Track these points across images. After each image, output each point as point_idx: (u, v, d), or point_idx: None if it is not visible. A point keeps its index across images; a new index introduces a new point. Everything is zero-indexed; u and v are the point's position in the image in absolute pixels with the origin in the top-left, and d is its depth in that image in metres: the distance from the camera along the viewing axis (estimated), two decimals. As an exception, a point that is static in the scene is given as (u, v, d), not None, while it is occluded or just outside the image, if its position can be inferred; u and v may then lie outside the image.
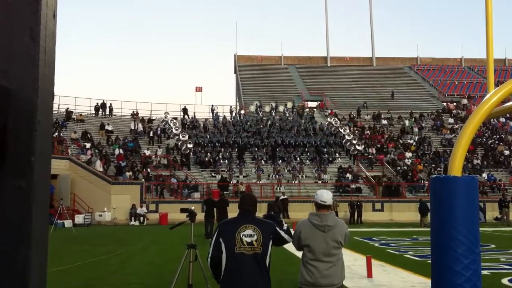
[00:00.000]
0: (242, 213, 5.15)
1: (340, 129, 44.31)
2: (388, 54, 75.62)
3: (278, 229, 5.11)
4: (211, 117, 48.35)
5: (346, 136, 42.58)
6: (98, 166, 33.89)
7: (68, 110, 43.75)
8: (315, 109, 53.39)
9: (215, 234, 5.05)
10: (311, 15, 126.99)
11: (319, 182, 36.57)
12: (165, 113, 46.44)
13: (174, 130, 41.78)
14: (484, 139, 45.49)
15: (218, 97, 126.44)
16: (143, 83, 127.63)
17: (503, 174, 40.10)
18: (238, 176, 37.12)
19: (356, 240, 19.64)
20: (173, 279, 7.62)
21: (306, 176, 37.81)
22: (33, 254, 1.04)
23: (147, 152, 38.79)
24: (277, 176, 36.79)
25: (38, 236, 1.07)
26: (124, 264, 13.92)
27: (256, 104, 51.61)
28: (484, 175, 38.36)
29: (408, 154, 41.60)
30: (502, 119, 49.06)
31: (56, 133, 36.54)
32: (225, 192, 31.97)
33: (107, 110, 46.55)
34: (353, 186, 35.95)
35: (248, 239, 4.88)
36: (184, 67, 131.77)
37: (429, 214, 28.74)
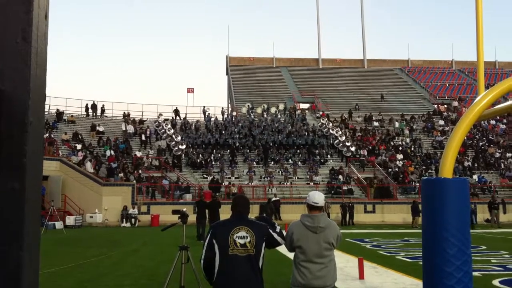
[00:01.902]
0: (235, 214, 5.16)
1: (331, 130, 44.39)
2: (379, 56, 76.19)
3: (271, 231, 5.12)
4: (203, 119, 48.28)
5: (338, 138, 42.67)
6: (89, 167, 33.76)
7: (58, 111, 43.50)
8: (306, 111, 53.45)
9: (208, 236, 5.04)
10: (303, 17, 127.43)
11: (311, 183, 36.61)
12: (158, 115, 46.29)
13: (166, 131, 41.71)
14: (475, 141, 45.75)
15: (210, 98, 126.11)
16: (134, 84, 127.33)
17: (493, 176, 40.33)
18: (230, 178, 37.09)
19: (348, 242, 19.68)
20: (165, 281, 7.60)
21: (298, 178, 37.84)
22: (25, 255, 1.04)
23: (139, 154, 38.69)
24: (269, 177, 36.80)
25: (30, 237, 1.06)
26: (116, 266, 13.86)
27: (248, 105, 51.55)
28: (475, 177, 38.59)
29: (399, 156, 41.75)
30: (493, 121, 49.35)
31: (47, 134, 36.33)
32: (217, 194, 31.93)
33: (98, 111, 46.35)
34: (344, 187, 36.02)
35: (242, 241, 4.89)
36: (176, 68, 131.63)
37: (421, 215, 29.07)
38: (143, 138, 41.55)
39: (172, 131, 41.84)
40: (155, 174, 35.99)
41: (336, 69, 70.66)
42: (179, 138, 40.42)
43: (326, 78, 66.70)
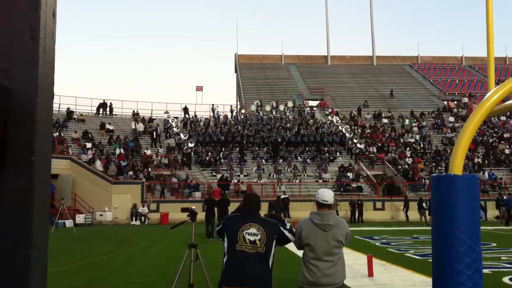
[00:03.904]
0: (247, 211, 5.18)
1: (341, 127, 44.30)
2: (389, 52, 75.57)
3: (282, 228, 5.13)
4: (212, 116, 48.36)
5: (347, 135, 42.59)
6: (99, 165, 33.92)
7: (69, 110, 43.74)
8: (315, 108, 53.37)
9: (220, 226, 5.22)
10: (311, 14, 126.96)
11: (320, 181, 36.57)
12: (165, 113, 46.37)
13: (175, 130, 41.80)
14: (485, 138, 45.47)
15: (219, 96, 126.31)
16: (143, 83, 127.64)
17: (504, 172, 40.08)
18: (239, 176, 37.13)
19: (357, 239, 19.64)
20: (174, 279, 7.62)
21: (307, 175, 37.81)
22: (33, 254, 1.04)
23: (148, 152, 38.80)
24: (278, 175, 36.78)
25: (38, 236, 1.06)
26: (126, 264, 13.92)
27: (257, 103, 51.58)
28: (485, 173, 38.36)
29: (409, 153, 41.59)
30: (503, 118, 49.03)
31: (57, 133, 36.54)
32: (226, 192, 31.97)
33: (108, 109, 46.56)
34: (354, 185, 35.95)
35: (252, 238, 4.91)
36: (184, 66, 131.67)
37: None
38: (154, 136, 41.71)
39: (181, 129, 41.93)
40: (164, 172, 36.10)
41: (345, 66, 70.45)
42: (188, 136, 40.49)
43: (335, 75, 66.56)
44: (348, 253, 10.09)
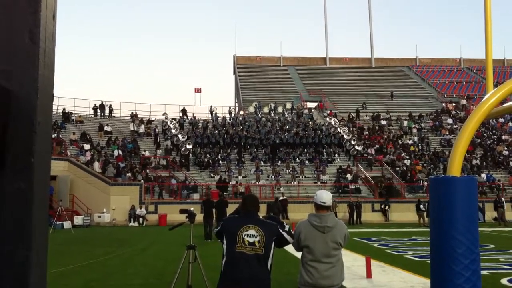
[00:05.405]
0: (245, 213, 5.18)
1: (339, 129, 44.30)
2: (387, 54, 75.61)
3: (280, 230, 5.12)
4: (210, 118, 48.33)
5: (345, 137, 42.58)
6: (97, 167, 33.89)
7: (66, 111, 43.59)
8: (314, 110, 53.38)
9: (219, 227, 5.19)
10: (310, 15, 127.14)
11: (318, 182, 36.55)
12: (164, 114, 46.31)
13: (173, 131, 41.78)
14: (483, 140, 45.51)
15: (217, 98, 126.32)
16: (142, 84, 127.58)
17: (502, 174, 40.11)
18: (237, 177, 37.10)
19: (355, 241, 19.64)
20: (172, 280, 7.62)
21: (305, 177, 37.78)
22: (32, 255, 1.04)
23: (146, 153, 38.77)
24: (276, 176, 36.76)
25: (37, 237, 1.07)
26: (124, 265, 13.90)
27: (255, 104, 51.57)
28: (483, 175, 38.38)
29: (407, 155, 41.59)
30: (501, 120, 49.07)
31: (55, 134, 36.48)
32: (224, 193, 31.93)
33: (106, 111, 46.51)
34: (352, 186, 35.95)
35: (251, 239, 4.90)
36: (183, 68, 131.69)
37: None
38: (152, 137, 41.71)
39: (179, 130, 41.90)
40: (162, 174, 36.06)
41: (344, 67, 70.50)
42: (186, 137, 40.47)
43: (334, 77, 66.58)
44: (346, 255, 10.06)
